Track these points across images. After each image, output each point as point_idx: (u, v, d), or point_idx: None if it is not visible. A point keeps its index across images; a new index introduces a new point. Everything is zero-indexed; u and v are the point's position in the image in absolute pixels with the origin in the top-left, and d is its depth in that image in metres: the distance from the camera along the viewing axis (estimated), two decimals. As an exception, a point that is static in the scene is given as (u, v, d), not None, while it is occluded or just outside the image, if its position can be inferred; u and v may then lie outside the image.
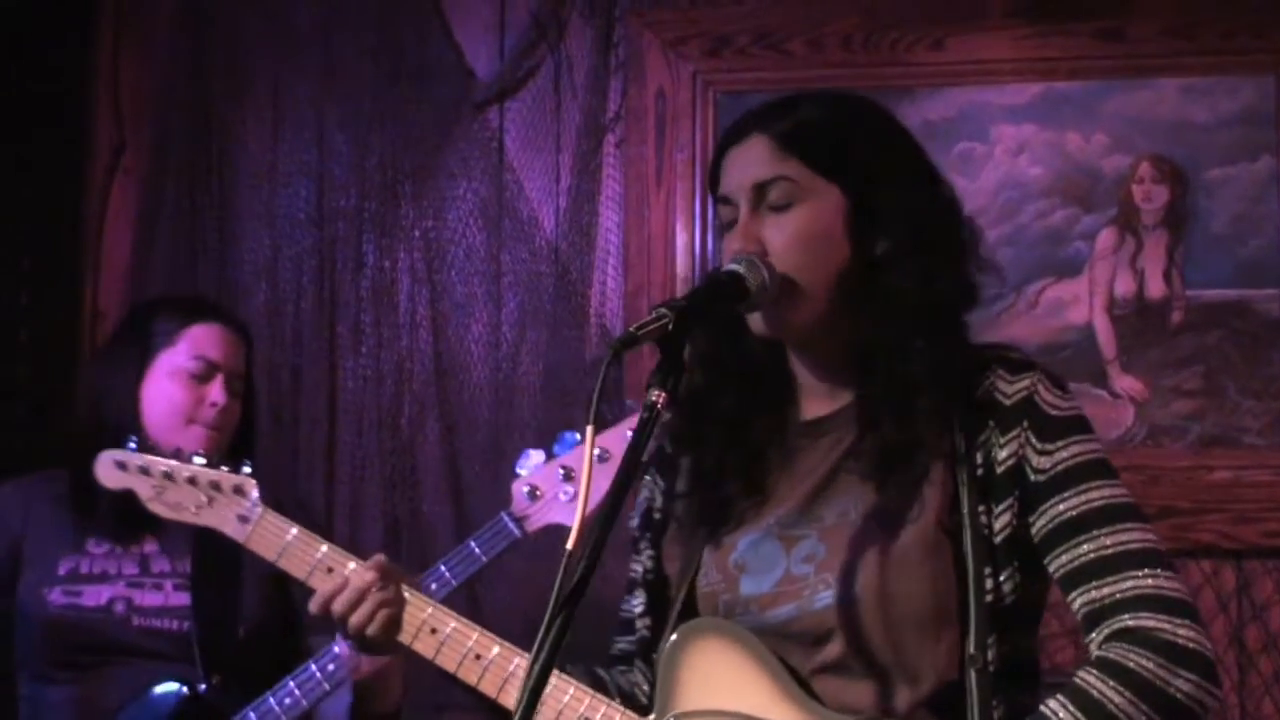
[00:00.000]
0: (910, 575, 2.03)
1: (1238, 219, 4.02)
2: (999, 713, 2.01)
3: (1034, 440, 2.07)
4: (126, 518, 3.19)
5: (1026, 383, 2.09)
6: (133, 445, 2.77)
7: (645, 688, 2.25)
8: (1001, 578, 2.05)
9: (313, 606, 2.34)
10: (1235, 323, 4.01)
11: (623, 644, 2.33)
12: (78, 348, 4.45)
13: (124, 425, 3.17)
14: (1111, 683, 1.96)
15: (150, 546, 3.29)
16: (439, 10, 4.37)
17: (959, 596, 2.03)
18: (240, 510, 2.53)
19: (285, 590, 3.29)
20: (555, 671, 2.06)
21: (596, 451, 2.68)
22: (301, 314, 4.41)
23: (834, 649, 2.06)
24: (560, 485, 2.93)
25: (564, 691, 2.16)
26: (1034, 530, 2.06)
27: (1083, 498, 2.05)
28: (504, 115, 4.36)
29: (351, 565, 2.33)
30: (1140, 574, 2.01)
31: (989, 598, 2.03)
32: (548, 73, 4.33)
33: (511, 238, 4.34)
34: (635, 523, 2.33)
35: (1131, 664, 1.96)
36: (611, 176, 4.28)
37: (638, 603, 2.28)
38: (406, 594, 2.30)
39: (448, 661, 2.25)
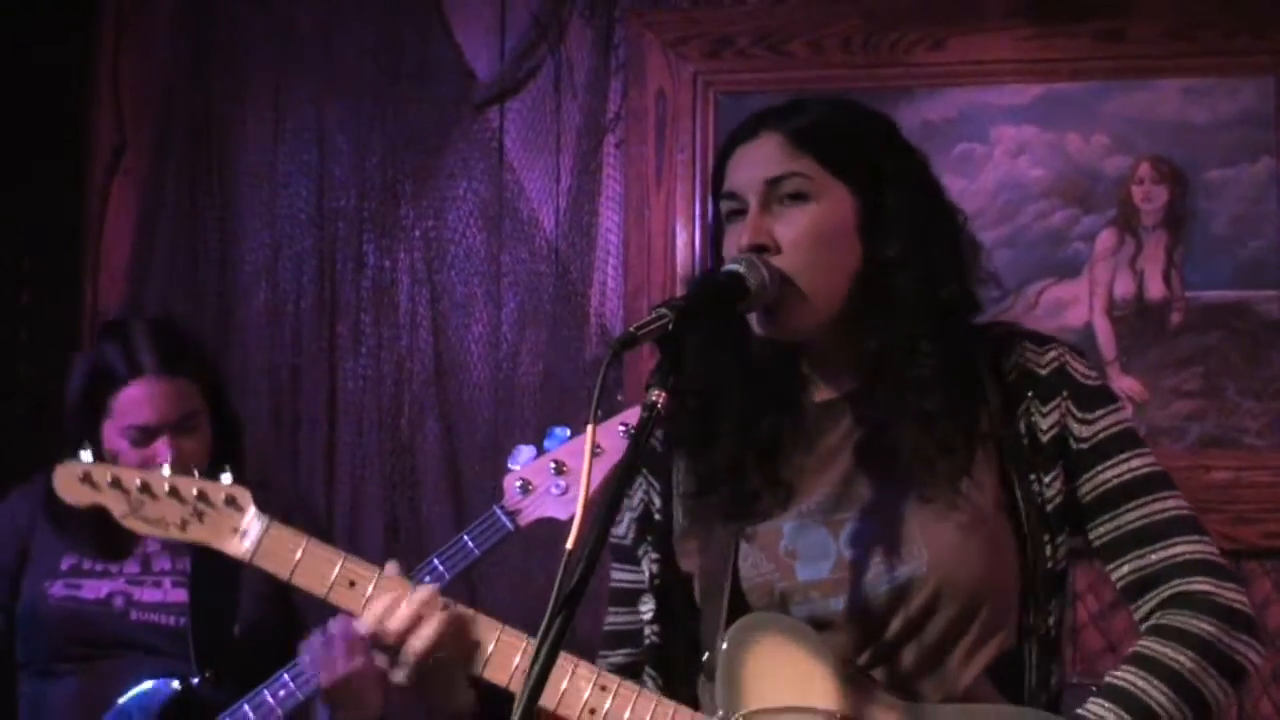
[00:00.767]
0: (969, 552, 2.05)
1: (1237, 220, 4.02)
2: (1054, 679, 2.07)
3: (1074, 409, 2.11)
4: (110, 540, 3.22)
5: (1056, 353, 2.15)
6: (87, 455, 2.39)
7: (653, 672, 2.23)
8: (1058, 543, 2.10)
9: (362, 627, 2.10)
10: (1235, 324, 4.01)
11: (619, 658, 2.27)
12: (78, 348, 4.45)
13: None
14: (1178, 646, 2.02)
15: (152, 545, 3.30)
16: (439, 10, 4.37)
17: (1018, 566, 2.07)
18: (236, 523, 2.23)
19: (284, 590, 3.29)
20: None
21: (620, 428, 2.70)
22: (301, 314, 4.41)
23: (899, 627, 2.06)
24: (552, 479, 2.93)
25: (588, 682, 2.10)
26: (1082, 497, 2.11)
27: (1125, 465, 2.11)
28: (504, 115, 4.37)
29: (380, 578, 2.14)
30: (1188, 540, 2.08)
31: (1048, 565, 2.08)
32: (548, 73, 4.33)
33: (511, 238, 4.34)
34: (626, 530, 2.27)
35: (1194, 629, 2.03)
36: (612, 177, 4.28)
37: (646, 610, 2.24)
38: (473, 613, 2.11)
39: (549, 700, 2.05)
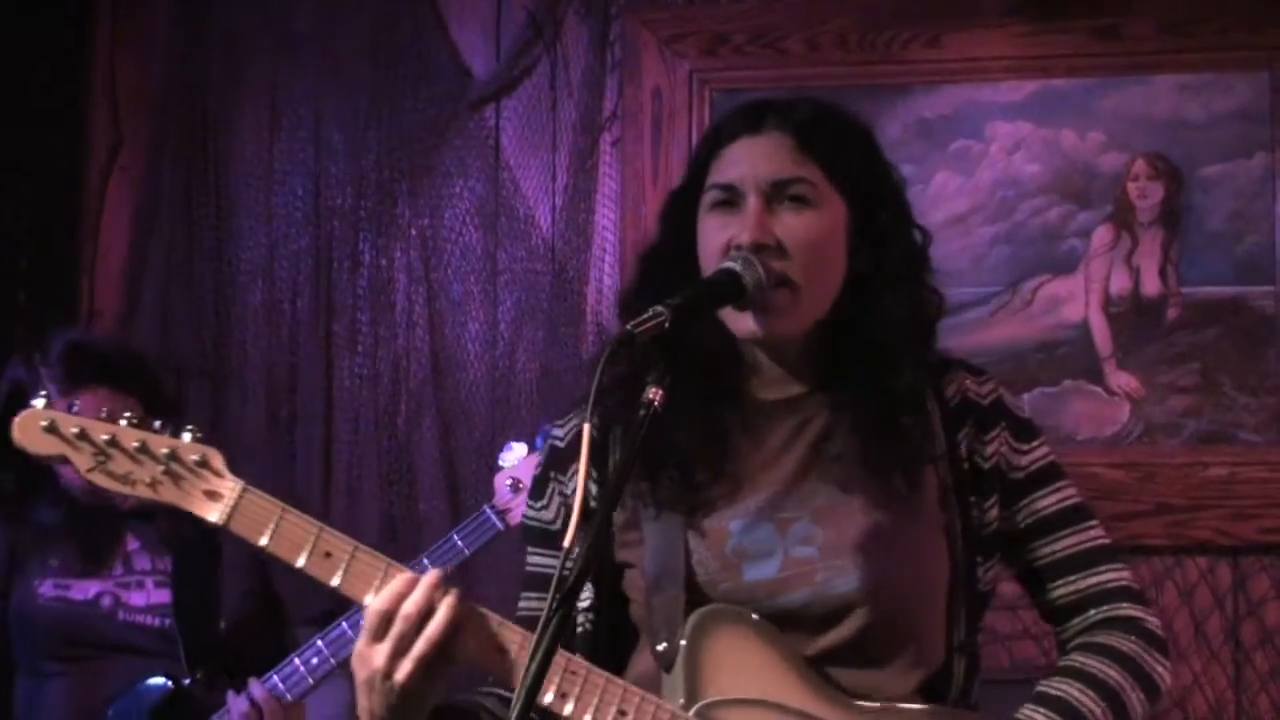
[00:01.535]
0: (914, 561, 2.07)
1: (1233, 216, 4.03)
2: (973, 696, 2.13)
3: (1012, 440, 2.18)
4: (90, 551, 3.25)
5: (993, 385, 2.20)
6: (41, 402, 2.12)
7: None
8: (989, 565, 2.15)
9: (373, 611, 1.96)
10: (1231, 319, 4.01)
11: None
12: (75, 347, 4.46)
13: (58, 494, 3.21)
14: (1107, 661, 2.13)
15: (132, 544, 3.30)
16: (435, 9, 4.38)
17: (950, 584, 2.11)
18: (209, 485, 2.07)
19: (267, 584, 3.31)
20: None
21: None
22: (298, 313, 4.41)
23: (844, 634, 2.06)
24: None
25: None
26: (1018, 523, 2.18)
27: (1056, 496, 2.19)
28: (500, 114, 4.37)
29: (356, 550, 2.01)
30: (1114, 568, 2.20)
31: (979, 586, 2.13)
32: (544, 71, 4.34)
33: (508, 236, 4.34)
34: (555, 516, 2.21)
35: (1124, 647, 2.15)
36: (608, 175, 4.29)
37: (584, 598, 2.18)
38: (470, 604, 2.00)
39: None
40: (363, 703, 1.98)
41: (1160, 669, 2.17)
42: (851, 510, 2.08)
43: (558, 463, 2.22)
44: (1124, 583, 2.20)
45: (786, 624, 2.08)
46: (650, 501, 2.13)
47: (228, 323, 4.41)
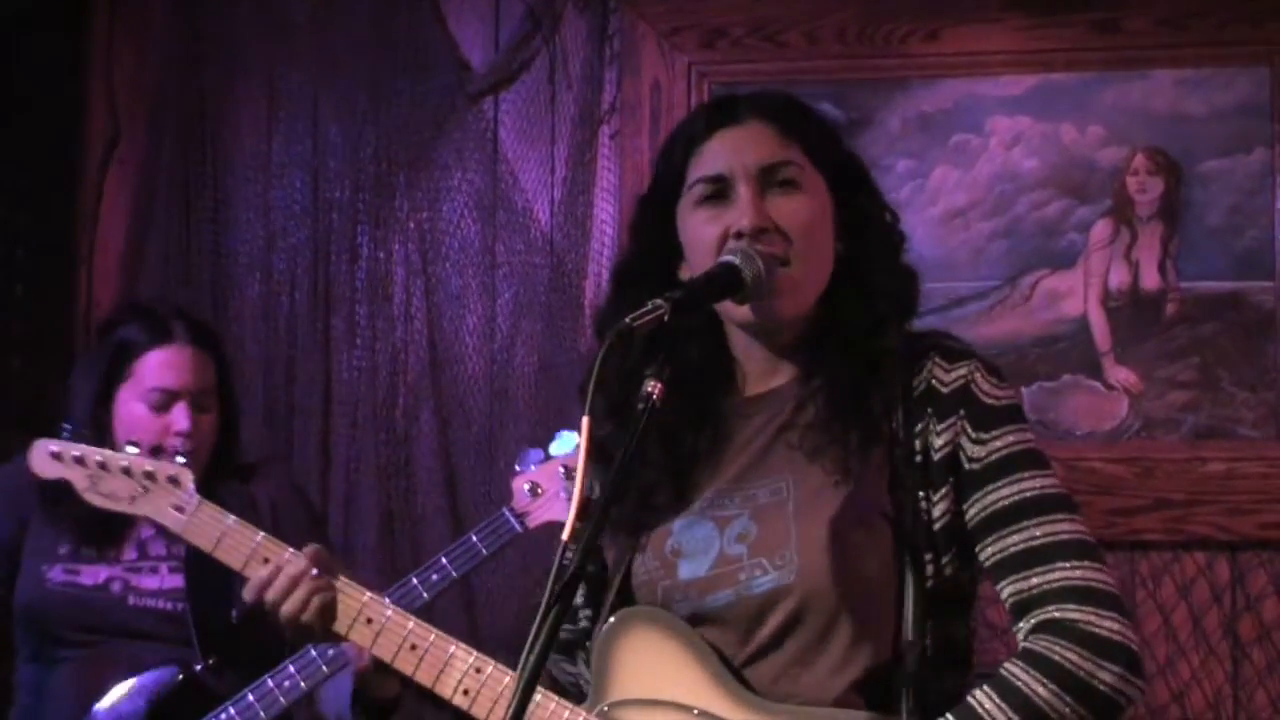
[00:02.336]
0: (847, 558, 2.02)
1: (1232, 211, 4.03)
2: (931, 697, 2.01)
3: (969, 429, 2.06)
4: (104, 536, 3.25)
5: (964, 371, 2.08)
6: (66, 433, 2.73)
7: (588, 677, 2.22)
8: (942, 562, 2.05)
9: (247, 594, 2.33)
10: (1230, 315, 4.01)
11: (564, 633, 2.25)
12: (72, 340, 4.46)
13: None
14: (1036, 674, 1.97)
15: (147, 531, 3.31)
16: (434, 1, 4.37)
17: (897, 580, 2.04)
18: (176, 500, 2.47)
19: None
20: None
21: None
22: (296, 306, 4.41)
23: (768, 633, 2.05)
24: (562, 483, 2.98)
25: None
26: (967, 518, 2.06)
27: (1015, 487, 2.04)
28: (499, 107, 4.36)
29: (286, 555, 2.32)
30: (1067, 565, 2.01)
31: (929, 583, 2.04)
32: (542, 64, 4.33)
33: (506, 229, 4.34)
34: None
35: (1056, 656, 1.97)
36: (606, 168, 4.28)
37: (581, 594, 2.24)
38: (342, 584, 2.28)
39: (384, 651, 2.23)
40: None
41: (1108, 677, 1.96)
42: (787, 505, 2.07)
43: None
44: (1076, 582, 2.00)
45: (716, 624, 2.08)
46: (615, 517, 2.13)
47: (225, 315, 4.41)
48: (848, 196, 2.16)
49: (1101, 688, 1.96)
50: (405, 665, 2.21)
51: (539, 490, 3.00)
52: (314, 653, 3.01)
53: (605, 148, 4.29)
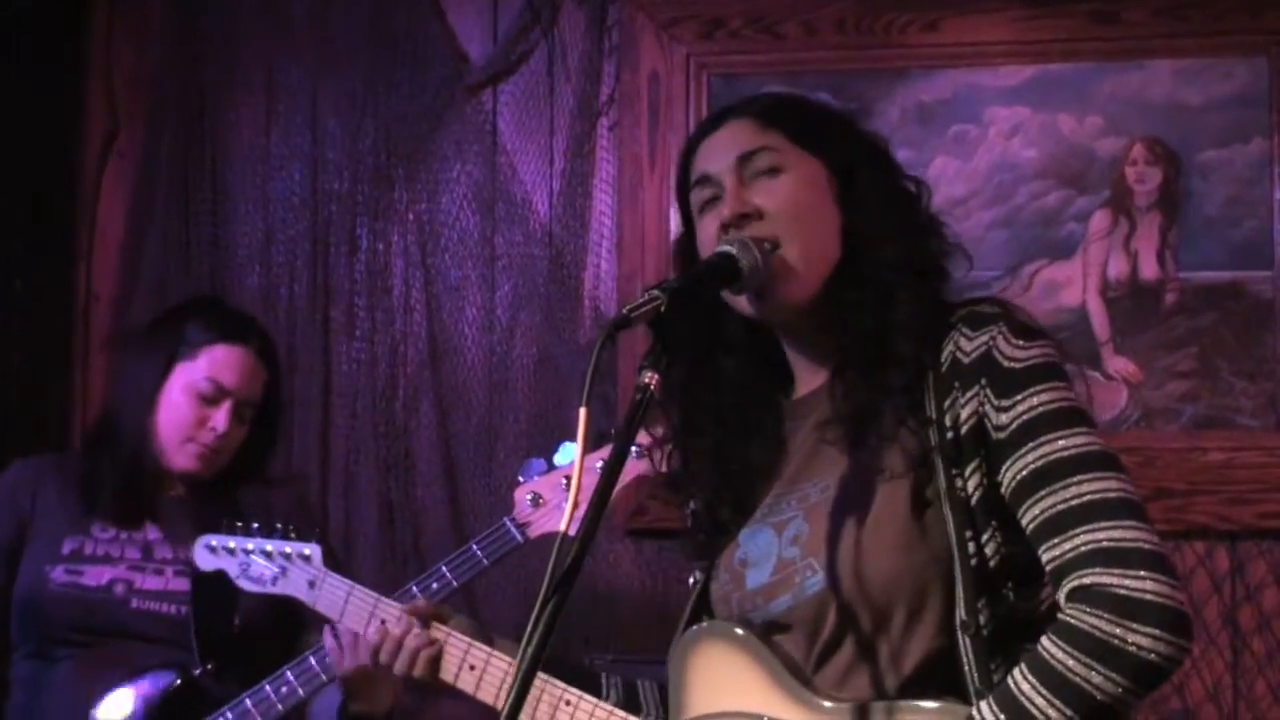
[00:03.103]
0: (887, 547, 2.02)
1: (1231, 201, 4.02)
2: (998, 675, 1.98)
3: (991, 397, 2.01)
4: (129, 503, 3.30)
5: (985, 338, 2.03)
6: (224, 532, 2.97)
7: None
8: (983, 539, 2.01)
9: (365, 658, 2.62)
10: (1229, 305, 4.01)
11: None
12: (72, 332, 4.46)
13: (137, 420, 3.31)
14: (1067, 647, 1.91)
15: (154, 534, 3.31)
16: (432, -6, 4.37)
17: (942, 564, 2.01)
18: (309, 576, 2.80)
19: None
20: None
21: (598, 464, 2.71)
22: (295, 298, 4.41)
23: (826, 633, 2.06)
24: (563, 494, 2.98)
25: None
26: (1002, 489, 2.01)
27: (1041, 450, 1.98)
28: (497, 98, 4.36)
29: (395, 613, 2.54)
30: (1096, 527, 1.93)
31: (974, 561, 2.00)
32: (541, 56, 4.33)
33: (505, 221, 4.34)
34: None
35: (1086, 625, 1.90)
36: (605, 160, 4.28)
37: None
38: (443, 633, 2.44)
39: (487, 695, 2.39)
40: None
41: (1140, 639, 1.87)
42: (833, 501, 2.08)
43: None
44: (1102, 544, 1.92)
45: (785, 630, 2.10)
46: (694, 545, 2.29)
47: (225, 308, 4.40)
48: (849, 173, 2.16)
49: (1135, 650, 1.87)
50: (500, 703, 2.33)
51: (541, 501, 3.01)
52: (312, 660, 3.02)
53: (604, 139, 4.29)
